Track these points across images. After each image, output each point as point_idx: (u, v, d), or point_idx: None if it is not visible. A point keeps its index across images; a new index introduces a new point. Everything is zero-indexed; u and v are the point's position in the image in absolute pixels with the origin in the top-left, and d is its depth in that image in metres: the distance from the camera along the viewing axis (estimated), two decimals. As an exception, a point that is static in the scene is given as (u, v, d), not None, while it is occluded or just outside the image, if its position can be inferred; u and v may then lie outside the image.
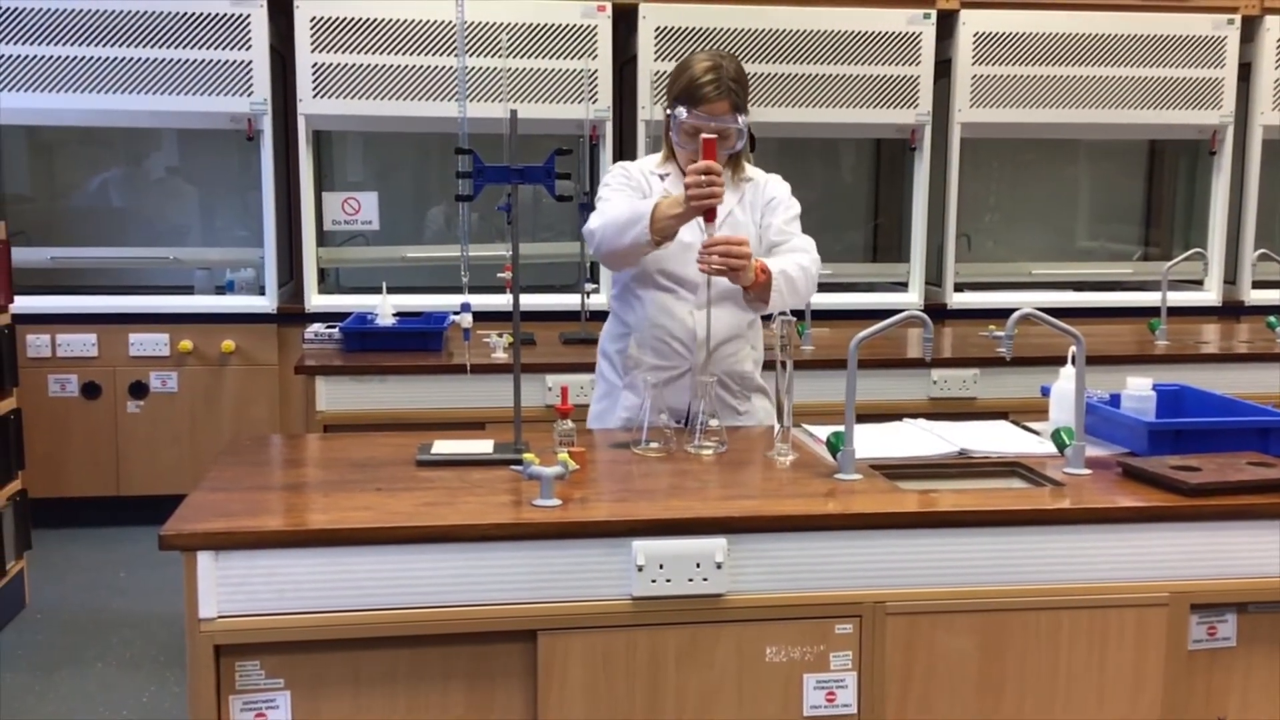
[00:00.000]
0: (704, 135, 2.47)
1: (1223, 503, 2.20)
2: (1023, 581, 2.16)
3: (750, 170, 2.81)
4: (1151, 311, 4.59)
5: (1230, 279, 5.72)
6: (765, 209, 2.78)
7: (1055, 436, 2.44)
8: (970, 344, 4.33)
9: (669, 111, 2.70)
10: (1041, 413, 2.72)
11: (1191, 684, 2.23)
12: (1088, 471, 2.36)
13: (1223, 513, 2.19)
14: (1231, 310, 5.59)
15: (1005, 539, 2.15)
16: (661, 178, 2.79)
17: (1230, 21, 5.36)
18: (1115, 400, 2.65)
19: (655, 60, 4.99)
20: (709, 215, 2.45)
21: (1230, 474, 2.26)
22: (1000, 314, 3.00)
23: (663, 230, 2.52)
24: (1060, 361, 2.60)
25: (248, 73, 4.83)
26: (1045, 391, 2.65)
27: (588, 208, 2.82)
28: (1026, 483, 2.39)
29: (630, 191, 2.74)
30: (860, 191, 6.20)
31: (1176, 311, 4.71)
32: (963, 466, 2.48)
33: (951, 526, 2.14)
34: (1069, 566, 2.17)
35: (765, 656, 2.10)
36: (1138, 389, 2.60)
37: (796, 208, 2.82)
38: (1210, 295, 5.57)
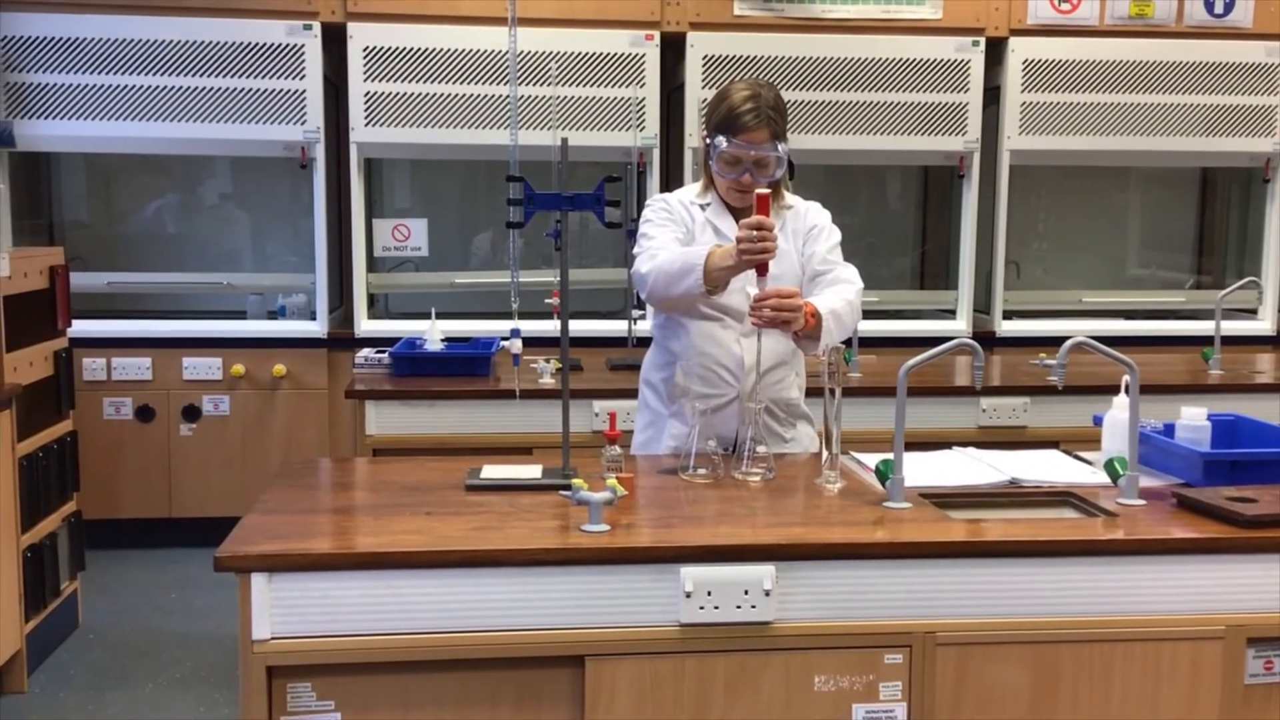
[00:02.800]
0: (758, 191, 2.46)
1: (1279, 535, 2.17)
2: (1075, 613, 2.14)
3: (790, 198, 2.81)
4: (1204, 340, 4.53)
5: (1286, 308, 5.63)
6: (807, 236, 2.78)
7: (1108, 466, 2.41)
8: (1020, 372, 4.29)
9: (708, 140, 2.72)
10: (1091, 442, 2.70)
11: (1247, 719, 2.19)
12: (1141, 502, 2.34)
13: (1279, 545, 2.16)
14: (1287, 340, 5.51)
15: (1057, 570, 2.13)
16: (702, 208, 2.80)
17: (1284, 48, 5.31)
18: (1169, 430, 2.62)
19: (703, 88, 5.01)
20: (761, 269, 2.45)
21: (1288, 506, 2.23)
22: (1050, 342, 2.99)
23: (715, 281, 2.53)
24: (1112, 391, 2.58)
25: (302, 102, 4.91)
26: (1097, 421, 2.62)
27: (635, 234, 2.82)
28: (1079, 513, 2.37)
29: (673, 226, 2.75)
30: (907, 218, 6.18)
31: (1230, 341, 4.65)
32: (1014, 496, 2.46)
33: (1003, 556, 2.13)
34: (1122, 598, 2.14)
35: (814, 685, 2.09)
36: (1192, 419, 2.57)
37: (838, 236, 2.82)
38: (1265, 324, 5.49)
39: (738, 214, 2.72)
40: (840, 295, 2.63)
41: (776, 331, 2.67)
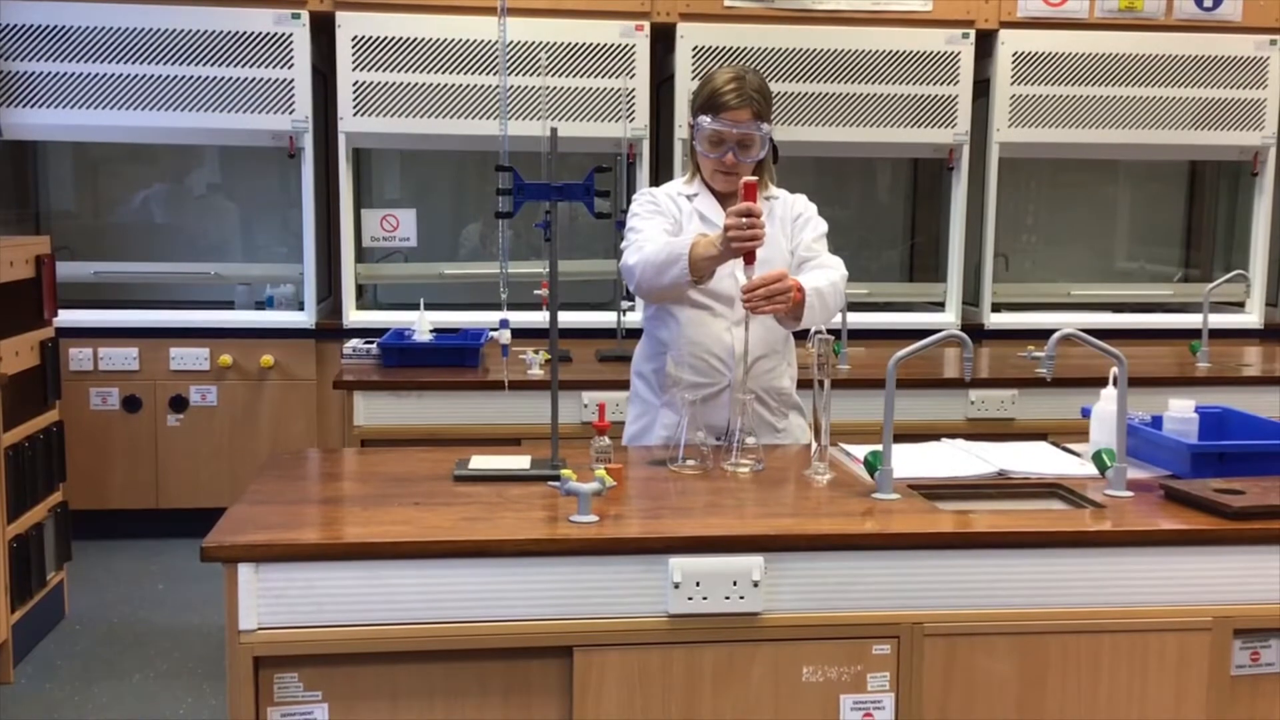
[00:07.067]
0: (745, 180, 2.47)
1: (1267, 526, 2.17)
2: (1063, 604, 2.14)
3: (774, 189, 2.83)
4: (1192, 334, 4.54)
5: (1273, 301, 5.65)
6: (794, 224, 2.80)
7: (1096, 458, 2.42)
8: (1009, 364, 4.31)
9: (692, 122, 2.73)
10: (1079, 434, 2.70)
11: (1234, 710, 2.20)
12: (1129, 493, 2.34)
13: (1266, 536, 2.17)
14: (1274, 333, 5.52)
15: (1045, 561, 2.13)
16: (690, 198, 2.80)
17: (1272, 42, 5.31)
18: (1157, 422, 2.62)
19: (692, 79, 4.99)
20: (748, 257, 2.44)
21: (1274, 497, 2.23)
22: (1038, 335, 2.99)
23: (701, 271, 2.53)
24: (1099, 383, 2.58)
25: (290, 91, 4.88)
26: (1085, 413, 2.63)
27: (624, 225, 2.82)
28: (1067, 504, 2.37)
29: (660, 218, 2.76)
30: (897, 211, 6.19)
31: (1217, 334, 4.66)
32: (1002, 487, 2.46)
33: (990, 547, 2.13)
34: (1110, 589, 2.15)
35: (802, 676, 2.09)
36: (1180, 411, 2.57)
37: (824, 226, 2.84)
38: (1252, 318, 5.51)
39: (725, 202, 2.72)
40: (825, 276, 2.64)
41: (767, 319, 2.67)
